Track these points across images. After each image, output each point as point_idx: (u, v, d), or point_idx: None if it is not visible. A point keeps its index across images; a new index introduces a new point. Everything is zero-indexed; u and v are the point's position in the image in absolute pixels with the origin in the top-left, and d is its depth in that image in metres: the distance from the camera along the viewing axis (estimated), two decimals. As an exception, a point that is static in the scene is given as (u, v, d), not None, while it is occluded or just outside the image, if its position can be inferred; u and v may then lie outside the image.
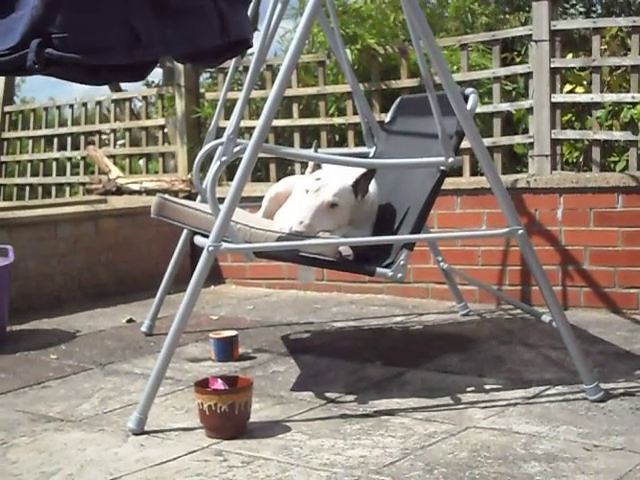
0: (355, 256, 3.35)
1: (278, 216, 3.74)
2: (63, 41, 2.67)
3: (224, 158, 3.20)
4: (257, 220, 3.68)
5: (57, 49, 2.67)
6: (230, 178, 5.38)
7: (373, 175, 3.52)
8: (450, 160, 3.34)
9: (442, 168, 3.40)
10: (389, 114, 4.33)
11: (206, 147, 3.51)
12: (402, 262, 3.24)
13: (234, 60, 4.35)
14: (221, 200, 3.10)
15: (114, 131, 7.13)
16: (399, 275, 3.24)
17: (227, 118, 5.04)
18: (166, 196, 3.85)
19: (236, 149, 3.19)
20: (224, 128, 3.53)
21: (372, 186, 3.56)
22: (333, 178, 3.48)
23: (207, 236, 3.29)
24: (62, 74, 2.81)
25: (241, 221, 3.33)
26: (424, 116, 3.53)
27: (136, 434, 2.92)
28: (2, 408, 3.28)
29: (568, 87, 5.19)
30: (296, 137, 5.86)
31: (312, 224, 3.37)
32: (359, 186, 3.49)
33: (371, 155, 4.29)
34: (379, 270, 3.26)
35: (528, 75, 5.01)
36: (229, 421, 2.85)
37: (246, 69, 5.54)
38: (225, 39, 2.95)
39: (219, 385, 2.96)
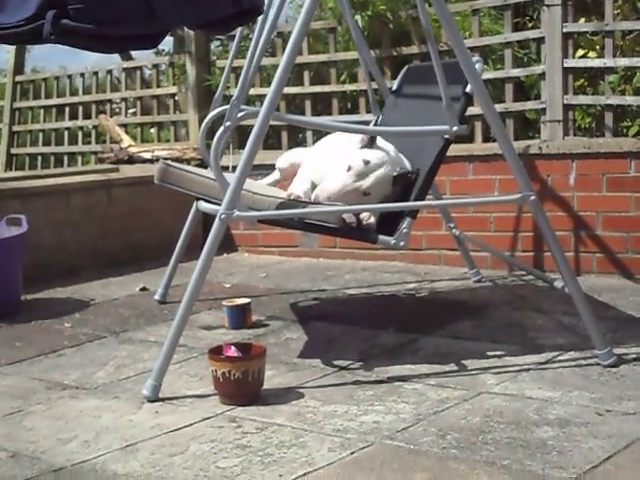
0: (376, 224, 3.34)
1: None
2: (78, 12, 2.68)
3: (227, 123, 3.19)
4: (261, 186, 3.66)
5: (72, 20, 2.67)
6: (242, 146, 5.38)
7: (417, 174, 3.43)
8: (454, 129, 3.32)
9: (446, 136, 3.40)
10: (396, 82, 4.31)
11: (211, 114, 3.50)
12: (405, 230, 3.22)
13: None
14: (234, 168, 3.10)
15: (125, 100, 7.13)
16: (401, 243, 3.22)
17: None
18: (169, 162, 3.85)
19: (240, 115, 3.18)
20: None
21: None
22: (380, 166, 3.35)
23: (210, 202, 3.30)
24: (76, 43, 2.82)
25: (244, 187, 3.32)
26: (430, 84, 3.51)
27: (151, 401, 2.94)
28: (18, 376, 3.31)
29: (580, 52, 5.14)
30: (307, 105, 5.85)
31: (335, 202, 3.31)
32: (399, 180, 3.37)
33: (373, 123, 4.27)
34: (381, 238, 3.25)
35: (540, 40, 4.98)
36: (243, 388, 2.87)
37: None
38: (238, 8, 2.95)
39: (233, 352, 2.98)
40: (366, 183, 3.33)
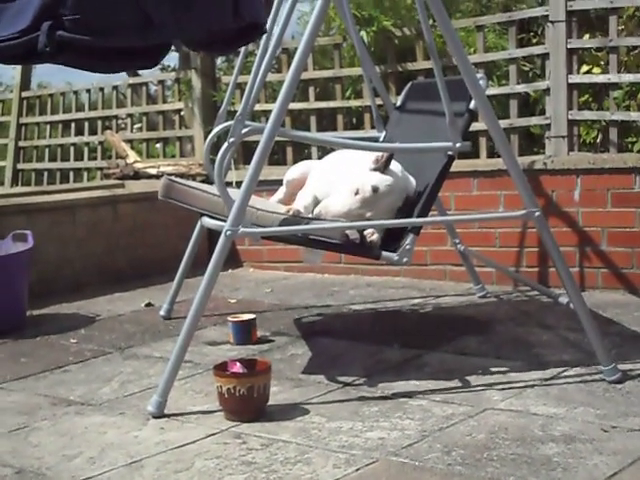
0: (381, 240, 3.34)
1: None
2: (74, 23, 2.61)
3: (232, 139, 3.20)
4: (264, 203, 3.67)
5: (68, 31, 2.62)
6: (247, 162, 5.39)
7: (419, 198, 3.42)
8: (457, 145, 3.33)
9: (449, 153, 3.40)
10: (400, 99, 4.33)
11: (215, 130, 3.51)
12: (408, 246, 3.23)
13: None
14: (239, 184, 3.11)
15: (131, 115, 7.15)
16: (404, 259, 3.23)
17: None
18: (173, 177, 3.86)
19: (244, 130, 3.19)
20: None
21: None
22: (388, 195, 3.35)
23: (214, 217, 3.31)
24: (75, 61, 2.77)
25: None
26: (434, 101, 3.52)
27: (156, 417, 2.94)
28: (23, 392, 3.31)
29: (585, 68, 5.16)
30: (312, 120, 5.86)
31: (334, 218, 3.32)
32: (404, 209, 3.37)
33: (381, 140, 4.28)
34: (385, 254, 3.26)
35: (545, 56, 4.99)
36: (248, 404, 2.87)
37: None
38: (238, 22, 2.90)
39: (238, 368, 2.98)
40: (370, 212, 3.33)
